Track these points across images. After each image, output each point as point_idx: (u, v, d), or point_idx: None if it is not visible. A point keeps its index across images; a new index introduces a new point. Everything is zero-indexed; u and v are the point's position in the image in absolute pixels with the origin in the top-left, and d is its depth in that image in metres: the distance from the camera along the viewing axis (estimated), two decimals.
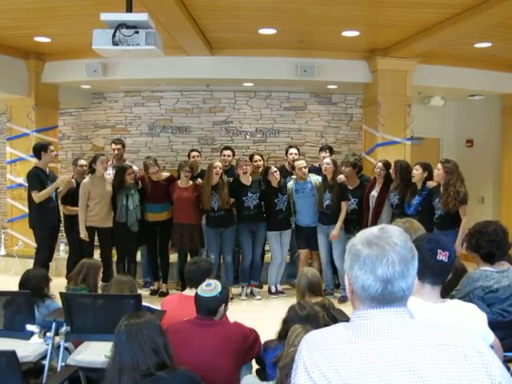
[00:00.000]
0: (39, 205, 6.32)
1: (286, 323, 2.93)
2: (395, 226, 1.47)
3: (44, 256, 6.42)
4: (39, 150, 6.44)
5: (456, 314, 2.18)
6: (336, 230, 6.42)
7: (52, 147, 6.61)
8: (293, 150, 7.38)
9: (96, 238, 6.67)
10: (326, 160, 6.64)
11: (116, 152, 7.29)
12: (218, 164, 6.58)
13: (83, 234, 6.44)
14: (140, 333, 2.27)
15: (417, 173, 6.08)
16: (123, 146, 7.47)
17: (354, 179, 6.74)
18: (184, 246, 6.67)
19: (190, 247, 6.69)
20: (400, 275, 1.35)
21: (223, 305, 3.17)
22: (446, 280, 2.29)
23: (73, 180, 6.71)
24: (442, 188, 5.75)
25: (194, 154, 7.45)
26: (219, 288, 3.14)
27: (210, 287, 3.15)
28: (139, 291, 4.27)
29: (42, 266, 5.92)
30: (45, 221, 6.43)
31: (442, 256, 2.18)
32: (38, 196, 6.28)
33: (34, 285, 3.90)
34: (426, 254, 2.15)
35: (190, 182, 6.70)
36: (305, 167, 6.72)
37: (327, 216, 6.52)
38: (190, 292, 3.77)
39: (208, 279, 3.76)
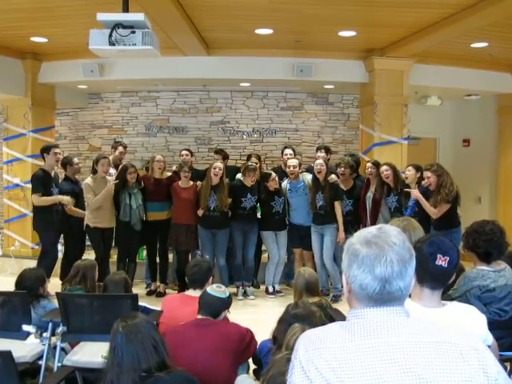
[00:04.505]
0: (43, 207, 6.28)
1: (280, 322, 2.93)
2: (393, 226, 1.47)
3: (50, 259, 6.41)
4: (42, 151, 6.44)
5: (456, 317, 2.16)
6: (341, 233, 6.40)
7: (57, 150, 6.55)
8: (288, 151, 7.34)
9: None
10: (319, 161, 6.58)
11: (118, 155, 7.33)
12: (218, 165, 6.53)
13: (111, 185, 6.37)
14: (139, 331, 2.28)
15: (410, 174, 6.08)
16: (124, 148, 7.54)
17: (348, 180, 6.73)
18: (179, 246, 6.65)
19: (185, 248, 6.66)
20: (398, 275, 1.35)
21: (226, 310, 3.28)
22: (448, 284, 2.27)
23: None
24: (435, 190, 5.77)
25: (183, 152, 7.49)
26: (227, 293, 3.34)
27: (221, 289, 3.32)
28: (139, 291, 4.27)
29: (47, 268, 5.90)
30: (51, 223, 6.40)
31: (442, 261, 2.15)
32: (37, 200, 6.24)
33: (28, 285, 3.88)
34: (425, 257, 2.13)
35: (191, 183, 6.67)
36: (294, 166, 6.68)
37: (320, 216, 6.50)
38: (193, 292, 3.78)
39: (212, 278, 3.90)
